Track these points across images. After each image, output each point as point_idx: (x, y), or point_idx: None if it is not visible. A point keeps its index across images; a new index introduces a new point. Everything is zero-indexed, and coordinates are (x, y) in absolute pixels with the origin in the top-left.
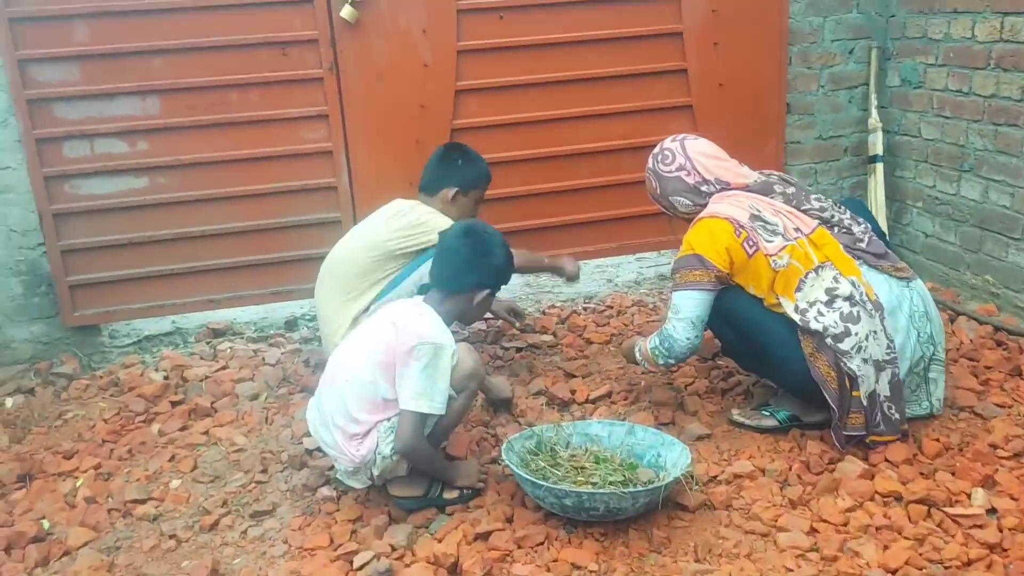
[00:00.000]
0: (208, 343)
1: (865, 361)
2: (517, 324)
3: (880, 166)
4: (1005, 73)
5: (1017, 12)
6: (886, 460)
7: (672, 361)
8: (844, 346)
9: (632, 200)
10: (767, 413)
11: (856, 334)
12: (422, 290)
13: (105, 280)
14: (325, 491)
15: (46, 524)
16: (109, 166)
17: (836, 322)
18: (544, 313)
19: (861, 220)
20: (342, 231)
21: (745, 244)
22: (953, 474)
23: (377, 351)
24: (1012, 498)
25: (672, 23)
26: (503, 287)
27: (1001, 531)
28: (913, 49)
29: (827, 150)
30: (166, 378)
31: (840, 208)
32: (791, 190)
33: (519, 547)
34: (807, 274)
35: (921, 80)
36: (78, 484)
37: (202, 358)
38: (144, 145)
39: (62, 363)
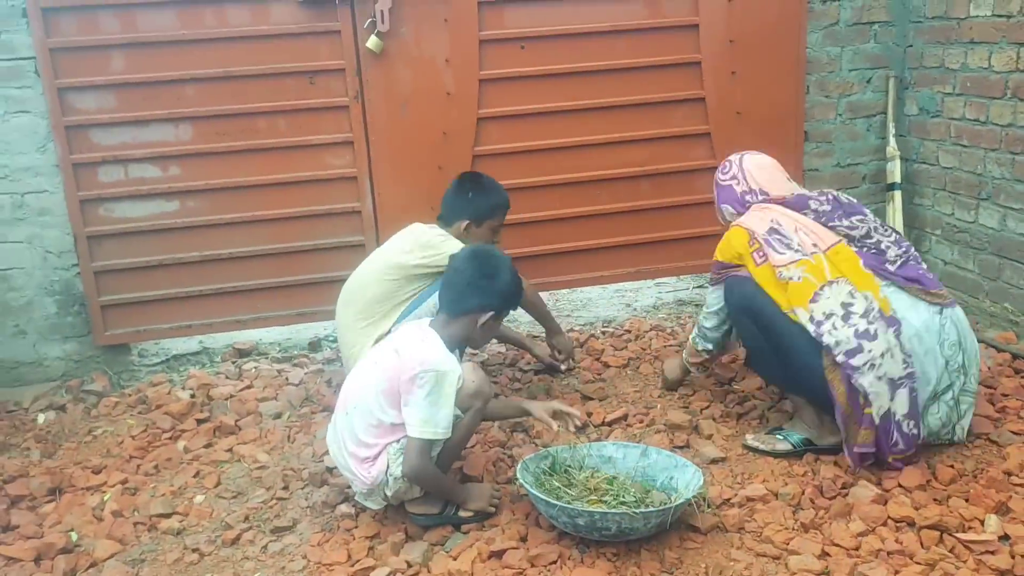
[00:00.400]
0: (234, 363)
1: (879, 379)
2: (564, 368)
3: (898, 194)
4: (1022, 103)
5: None
6: (899, 486)
7: (709, 346)
8: (855, 362)
9: (651, 226)
10: (781, 437)
11: (870, 351)
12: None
13: (136, 300)
14: (344, 508)
15: (74, 536)
16: (142, 190)
17: (849, 338)
18: None
19: (904, 244)
20: (366, 254)
21: (755, 254)
22: (967, 500)
23: (381, 379)
24: None
25: (690, 53)
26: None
27: (1013, 557)
28: (930, 78)
29: (845, 178)
30: (192, 396)
31: (885, 230)
32: (827, 207)
33: (532, 566)
34: (821, 287)
35: (939, 109)
36: (106, 498)
37: (227, 377)
38: (176, 170)
39: (92, 381)
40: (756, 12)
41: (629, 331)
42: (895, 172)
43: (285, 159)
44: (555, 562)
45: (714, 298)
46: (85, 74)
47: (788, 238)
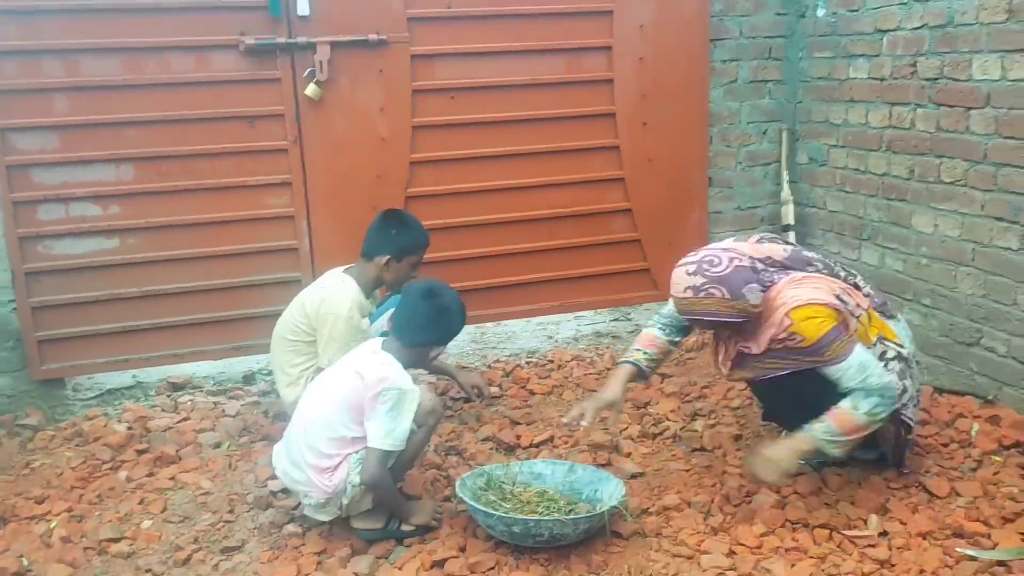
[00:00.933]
0: (169, 396)
1: (914, 407)
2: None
3: (792, 234)
4: (895, 155)
5: (902, 103)
6: (795, 492)
7: (895, 404)
8: (902, 401)
9: (571, 263)
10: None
11: (907, 390)
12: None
13: (73, 335)
14: (291, 527)
15: (25, 562)
16: (82, 228)
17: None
18: (490, 367)
19: (854, 272)
20: (301, 290)
21: (848, 323)
22: (852, 503)
23: (345, 398)
24: (901, 522)
25: (606, 104)
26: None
27: (891, 549)
28: (818, 132)
29: (745, 219)
30: (129, 429)
31: (837, 264)
32: (819, 264)
33: (472, 572)
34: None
35: (825, 159)
36: (52, 525)
37: (163, 410)
38: (116, 208)
39: (27, 415)
40: (665, 69)
41: (552, 361)
42: (789, 214)
43: (225, 198)
44: (493, 568)
45: (867, 353)
46: (27, 116)
47: (850, 306)
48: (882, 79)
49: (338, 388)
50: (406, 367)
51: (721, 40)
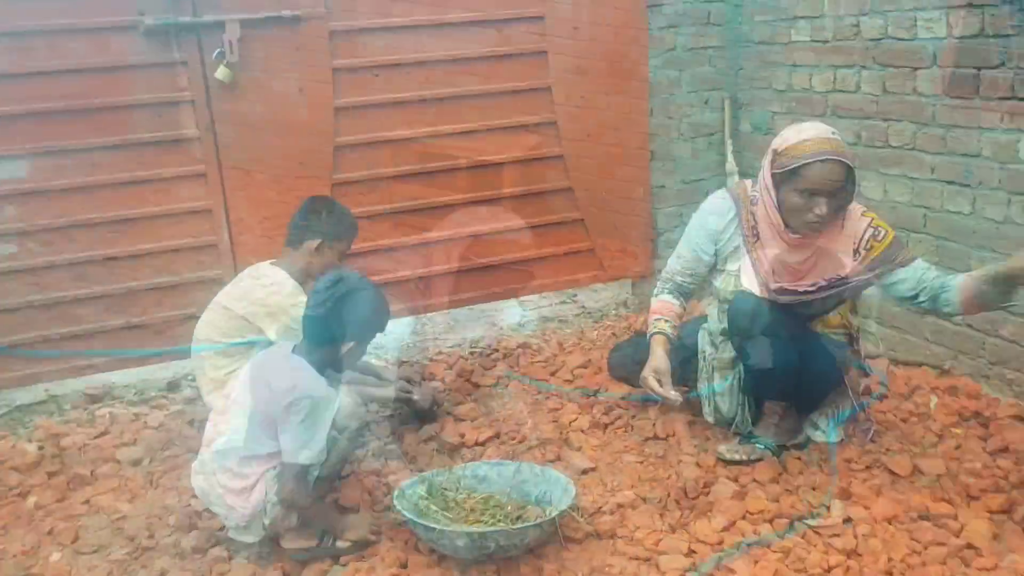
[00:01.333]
0: (85, 409)
1: None
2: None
3: None
4: (841, 119)
5: (846, 66)
6: (755, 480)
7: None
8: None
9: (512, 247)
10: (761, 447)
11: None
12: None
13: None
14: (216, 552)
15: None
16: None
17: None
18: (432, 359)
19: None
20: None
21: None
22: (813, 488)
23: (255, 412)
24: (865, 507)
25: (540, 79)
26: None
27: (856, 538)
28: (761, 99)
29: (690, 193)
30: (40, 448)
31: None
32: None
33: None
34: None
35: (770, 127)
36: None
37: (79, 425)
38: (12, 210)
39: None
40: (601, 39)
41: (497, 350)
42: None
43: (134, 194)
44: None
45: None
46: None
47: None
48: (825, 41)
49: (246, 400)
50: (323, 369)
51: (658, 6)
